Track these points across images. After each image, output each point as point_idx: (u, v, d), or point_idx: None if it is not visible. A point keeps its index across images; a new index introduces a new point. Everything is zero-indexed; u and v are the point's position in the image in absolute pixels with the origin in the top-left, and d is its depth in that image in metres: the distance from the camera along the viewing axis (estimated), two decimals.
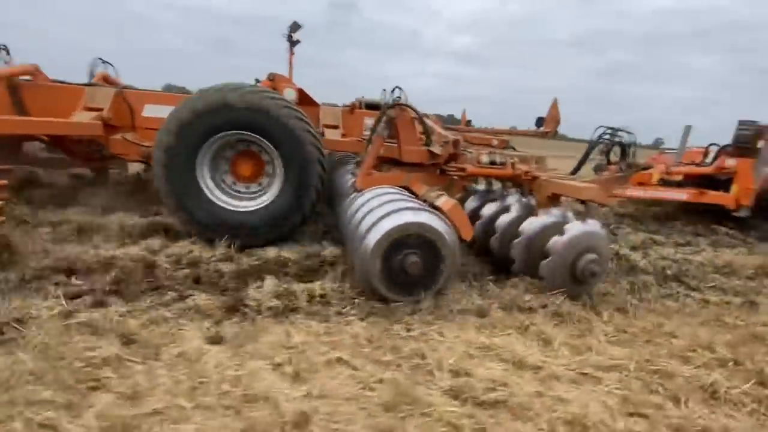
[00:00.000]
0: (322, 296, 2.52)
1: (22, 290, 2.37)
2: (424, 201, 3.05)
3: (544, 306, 2.62)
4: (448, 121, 7.79)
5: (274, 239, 3.37)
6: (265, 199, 3.45)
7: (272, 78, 4.34)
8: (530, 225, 3.07)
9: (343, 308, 2.41)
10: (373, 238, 2.57)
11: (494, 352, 2.12)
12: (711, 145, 6.30)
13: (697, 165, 6.01)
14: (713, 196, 5.54)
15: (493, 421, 1.67)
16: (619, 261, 3.73)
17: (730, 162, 5.70)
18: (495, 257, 3.38)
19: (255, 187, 3.63)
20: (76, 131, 3.92)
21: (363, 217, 2.79)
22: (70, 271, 2.66)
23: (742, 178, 5.52)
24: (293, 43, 4.72)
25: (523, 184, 3.49)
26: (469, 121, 6.73)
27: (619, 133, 5.13)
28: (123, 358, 1.83)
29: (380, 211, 2.72)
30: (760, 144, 5.59)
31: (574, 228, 2.89)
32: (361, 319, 2.32)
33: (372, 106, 5.09)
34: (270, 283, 2.63)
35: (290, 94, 4.33)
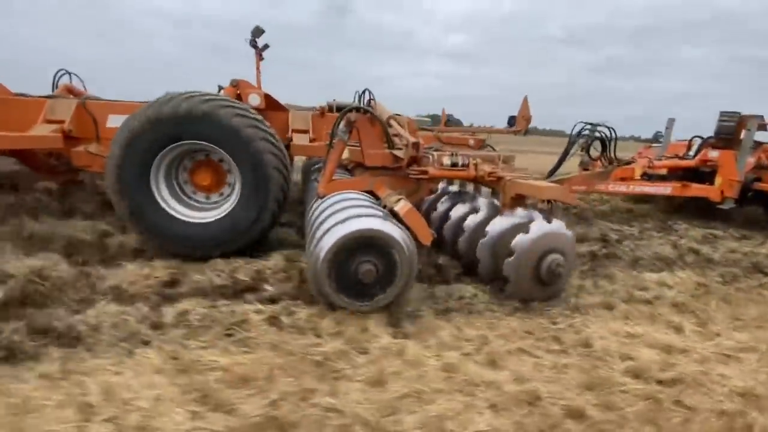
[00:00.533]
0: (469, 297, 2.78)
1: None
2: (384, 206, 2.97)
3: (657, 298, 2.95)
4: (451, 122, 7.70)
5: (232, 252, 3.30)
6: (222, 211, 3.38)
7: (235, 84, 4.26)
8: (494, 225, 3.00)
9: (492, 306, 2.64)
10: (324, 246, 2.50)
11: (639, 339, 2.39)
12: (694, 137, 6.20)
13: (681, 158, 5.91)
14: (697, 189, 5.44)
15: (681, 395, 1.92)
16: (696, 255, 4.11)
17: (713, 154, 5.60)
18: (463, 259, 3.32)
19: (216, 197, 3.57)
20: (34, 145, 3.85)
21: (320, 224, 2.72)
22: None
23: (725, 170, 5.42)
24: (259, 48, 4.64)
25: (488, 185, 3.41)
26: (449, 120, 6.65)
27: (599, 128, 5.05)
28: (347, 351, 2.11)
29: (335, 218, 2.64)
30: (743, 134, 5.48)
31: (538, 227, 2.81)
32: (508, 315, 2.57)
33: (344, 108, 5.01)
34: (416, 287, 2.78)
35: (254, 100, 4.26)
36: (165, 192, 3.31)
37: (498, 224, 3.02)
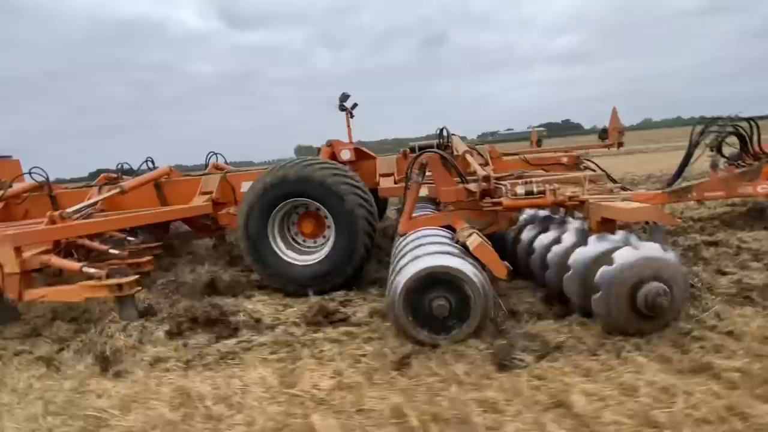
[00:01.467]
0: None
1: None
2: (457, 241, 3.08)
3: None
4: (565, 127, 7.34)
5: (330, 288, 3.79)
6: (322, 254, 3.94)
7: (330, 144, 4.97)
8: (576, 257, 2.82)
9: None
10: (399, 283, 2.73)
11: None
12: None
13: None
14: None
15: None
16: None
17: None
18: (553, 292, 3.15)
19: (320, 241, 4.18)
20: (194, 213, 5.10)
21: (397, 262, 2.97)
22: None
23: None
24: (347, 109, 5.33)
25: (572, 209, 3.23)
26: (540, 141, 6.36)
27: (730, 121, 4.21)
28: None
29: (410, 255, 2.87)
30: None
31: (624, 255, 2.56)
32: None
33: (424, 149, 5.31)
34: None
35: (346, 155, 4.89)
36: (278, 239, 4.03)
37: (580, 255, 2.81)
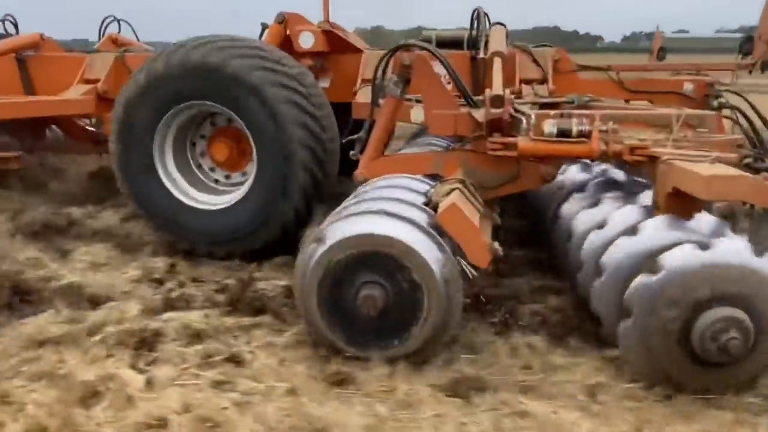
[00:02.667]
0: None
1: None
2: (429, 202, 3.04)
3: None
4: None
5: (238, 254, 3.89)
6: (237, 196, 3.99)
7: (282, 20, 4.87)
8: (615, 251, 2.73)
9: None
10: (310, 259, 2.76)
11: None
12: None
13: None
14: None
15: None
16: None
17: None
18: (586, 305, 3.10)
19: (236, 177, 4.22)
20: (62, 111, 5.26)
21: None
22: None
23: None
24: None
25: (636, 168, 3.08)
26: (662, 50, 5.95)
27: None
28: None
29: (332, 218, 2.89)
30: None
31: (679, 257, 2.45)
32: None
33: (447, 44, 5.12)
34: None
35: (307, 41, 4.79)
36: (172, 167, 4.12)
37: (621, 251, 2.72)
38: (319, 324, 2.78)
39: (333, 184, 4.22)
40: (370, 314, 2.67)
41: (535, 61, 4.84)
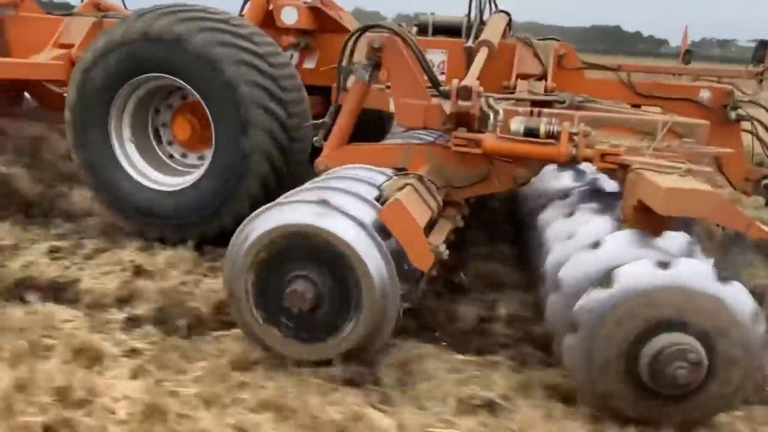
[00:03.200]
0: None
1: None
2: (379, 197, 3.06)
3: None
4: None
5: (202, 239, 3.96)
6: (196, 176, 4.05)
7: None
8: (572, 266, 2.73)
9: None
10: (239, 248, 2.81)
11: None
12: None
13: None
14: None
15: None
16: None
17: None
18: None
19: (194, 159, 4.29)
20: (29, 75, 5.38)
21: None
22: None
23: None
24: None
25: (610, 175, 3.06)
26: (688, 52, 5.86)
27: None
28: None
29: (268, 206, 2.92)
30: None
31: (635, 273, 2.44)
32: None
33: (443, 29, 5.12)
34: None
35: (290, 16, 4.83)
36: (129, 145, 4.20)
37: (577, 266, 2.72)
38: (249, 320, 2.83)
39: (303, 173, 4.26)
40: (299, 310, 2.72)
41: (536, 55, 4.81)
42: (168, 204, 4.06)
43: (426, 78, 3.52)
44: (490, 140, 3.11)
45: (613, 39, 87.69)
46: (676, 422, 2.49)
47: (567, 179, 3.93)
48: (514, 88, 4.50)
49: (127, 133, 4.19)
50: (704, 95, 4.78)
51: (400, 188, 3.00)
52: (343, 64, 3.58)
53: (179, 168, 4.34)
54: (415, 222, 2.76)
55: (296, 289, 2.69)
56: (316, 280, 2.70)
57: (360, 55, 3.62)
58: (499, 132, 3.11)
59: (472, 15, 4.93)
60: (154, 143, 4.35)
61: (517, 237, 4.54)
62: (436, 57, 5.06)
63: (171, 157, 4.37)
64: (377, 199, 3.02)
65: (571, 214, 3.38)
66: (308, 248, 2.70)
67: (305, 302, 2.69)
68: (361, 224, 2.73)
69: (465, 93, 3.14)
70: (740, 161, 4.73)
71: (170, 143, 4.38)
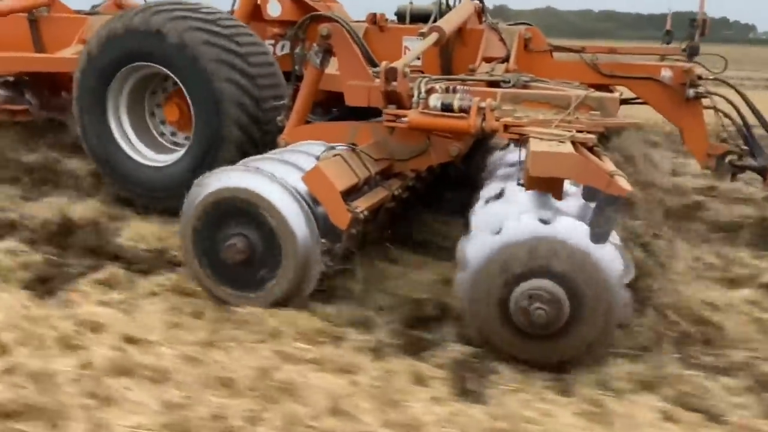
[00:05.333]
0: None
1: None
2: None
3: None
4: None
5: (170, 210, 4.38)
6: (179, 154, 4.57)
7: None
8: (479, 213, 3.13)
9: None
10: (186, 209, 3.29)
11: None
12: None
13: None
14: None
15: None
16: None
17: None
18: None
19: (182, 138, 4.82)
20: (51, 67, 6.02)
21: None
22: None
23: None
24: None
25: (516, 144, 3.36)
26: (669, 33, 5.96)
27: None
28: None
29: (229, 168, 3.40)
30: None
31: (520, 225, 2.77)
32: None
33: (420, 17, 5.44)
34: None
35: (274, 8, 5.27)
36: (127, 125, 4.76)
37: (481, 213, 3.09)
38: (193, 266, 3.31)
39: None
40: (234, 262, 3.17)
41: (502, 39, 5.08)
42: (160, 177, 4.61)
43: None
44: (413, 115, 3.44)
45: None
46: (544, 361, 2.81)
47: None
48: (475, 70, 4.80)
49: (126, 125, 4.78)
50: (666, 74, 4.94)
51: (332, 157, 3.40)
52: (296, 51, 4.00)
53: (174, 147, 4.89)
54: (332, 185, 3.15)
55: (232, 243, 3.15)
56: (248, 236, 3.15)
57: None
58: (422, 108, 3.45)
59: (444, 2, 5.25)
60: (151, 127, 4.92)
61: None
62: (413, 44, 5.40)
63: (164, 136, 4.93)
64: None
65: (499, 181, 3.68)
66: (240, 209, 3.15)
67: (238, 255, 3.14)
68: (285, 187, 3.15)
69: (392, 74, 3.50)
70: (701, 137, 4.89)
71: (163, 123, 4.93)
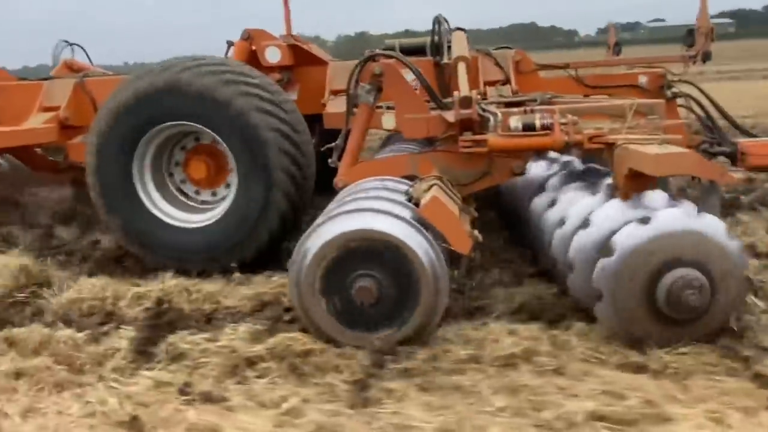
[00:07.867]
0: None
1: None
2: (410, 198, 3.52)
3: None
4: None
5: (212, 270, 4.27)
6: (218, 213, 4.40)
7: (247, 37, 5.35)
8: (578, 245, 3.24)
9: None
10: (307, 251, 3.20)
11: None
12: None
13: None
14: None
15: None
16: None
17: None
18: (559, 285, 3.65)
19: (221, 192, 4.62)
20: (26, 141, 5.57)
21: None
22: None
23: None
24: None
25: (594, 155, 3.63)
26: (617, 44, 6.65)
27: None
28: None
29: (322, 218, 3.34)
30: None
31: (626, 237, 2.96)
32: None
33: (410, 51, 5.67)
34: None
35: (273, 56, 5.27)
36: (150, 184, 4.51)
37: (581, 243, 3.22)
38: (319, 319, 3.22)
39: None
40: (366, 304, 3.13)
41: (497, 63, 5.43)
42: (194, 240, 4.41)
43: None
44: (494, 139, 3.62)
45: (531, 36, 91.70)
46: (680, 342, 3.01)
47: (544, 167, 4.51)
48: (485, 94, 5.09)
49: (150, 184, 4.54)
50: (643, 80, 5.54)
51: (427, 189, 3.49)
52: (351, 91, 4.05)
53: (202, 206, 4.68)
54: (452, 213, 3.26)
55: (362, 285, 3.12)
56: (378, 276, 3.13)
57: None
58: (500, 131, 3.64)
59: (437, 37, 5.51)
60: (177, 191, 4.70)
61: (509, 223, 5.12)
62: (406, 76, 5.62)
63: (190, 196, 4.71)
64: (409, 201, 3.50)
65: (557, 200, 3.89)
66: (373, 250, 3.12)
67: (370, 296, 3.11)
68: (409, 223, 3.19)
69: (466, 102, 3.68)
70: (679, 131, 5.50)
71: (183, 181, 4.71)
